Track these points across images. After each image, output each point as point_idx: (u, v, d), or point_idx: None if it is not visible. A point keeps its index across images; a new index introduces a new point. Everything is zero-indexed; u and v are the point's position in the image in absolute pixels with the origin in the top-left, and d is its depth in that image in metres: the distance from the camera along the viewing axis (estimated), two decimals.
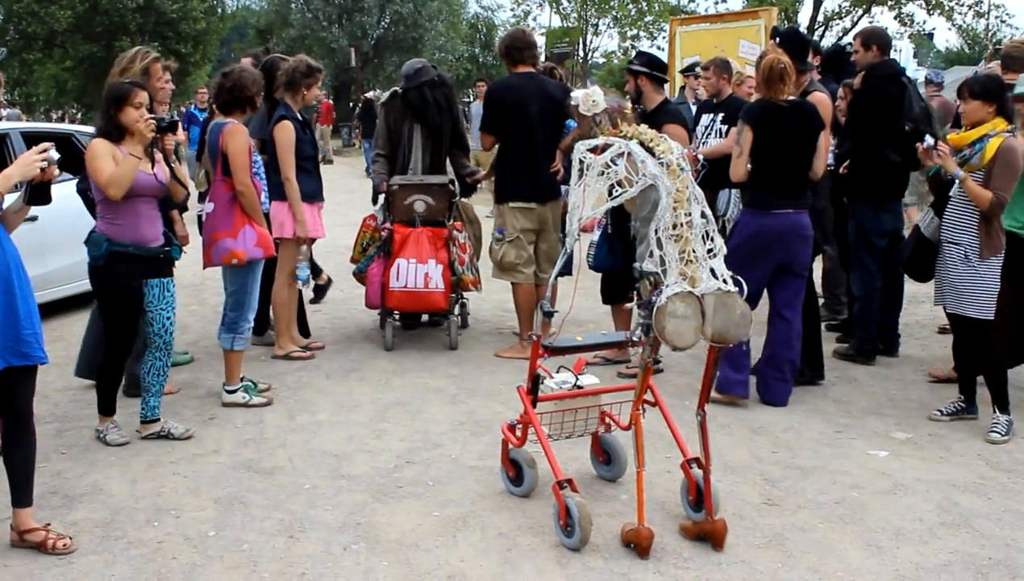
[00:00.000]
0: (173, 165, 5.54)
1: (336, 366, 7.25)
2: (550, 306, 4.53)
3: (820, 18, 35.00)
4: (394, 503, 4.80)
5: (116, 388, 5.66)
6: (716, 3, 35.57)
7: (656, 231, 4.01)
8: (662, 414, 4.59)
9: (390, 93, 8.16)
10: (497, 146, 7.54)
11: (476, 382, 6.79)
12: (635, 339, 4.30)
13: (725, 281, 4.09)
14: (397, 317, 8.03)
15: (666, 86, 7.49)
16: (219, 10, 40.54)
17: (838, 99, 7.68)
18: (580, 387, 4.80)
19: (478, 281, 7.86)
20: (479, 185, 8.33)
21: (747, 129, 6.15)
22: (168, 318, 5.54)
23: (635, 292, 4.25)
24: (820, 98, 6.70)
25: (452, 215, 7.75)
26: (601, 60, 52.00)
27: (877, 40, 7.34)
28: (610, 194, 4.29)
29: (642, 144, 4.13)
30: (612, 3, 41.85)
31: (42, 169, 4.04)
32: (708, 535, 4.35)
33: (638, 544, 4.24)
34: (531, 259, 7.45)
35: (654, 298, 4.02)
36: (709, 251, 4.10)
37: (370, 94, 13.84)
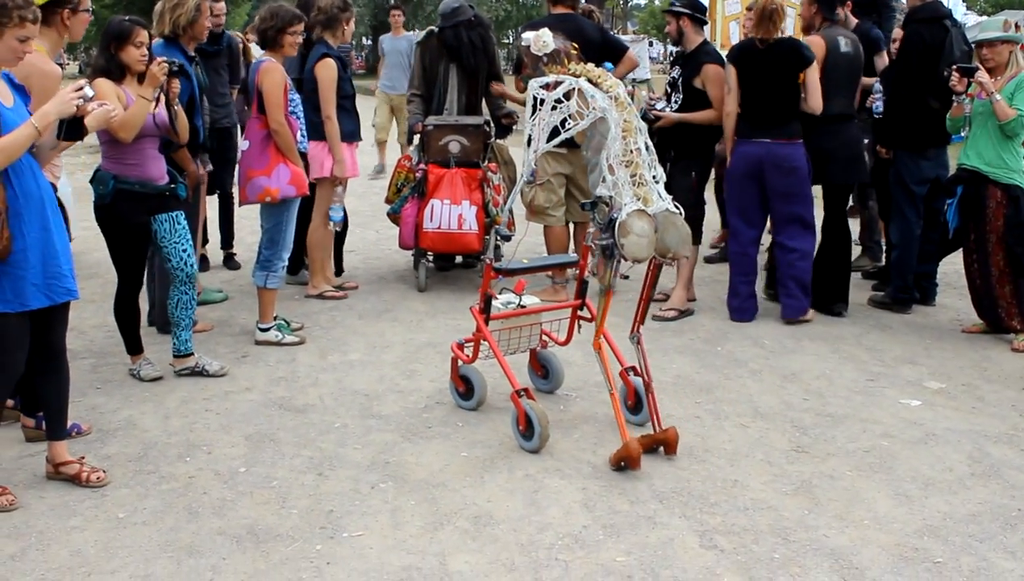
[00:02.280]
0: (175, 110, 5.47)
1: (369, 306, 7.27)
2: (507, 231, 5.03)
3: None
4: (423, 443, 4.83)
5: (136, 325, 5.67)
6: None
7: (608, 159, 4.37)
8: (593, 341, 4.78)
9: (426, 33, 8.09)
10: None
11: None
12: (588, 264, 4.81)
13: (673, 202, 4.46)
14: (431, 258, 8.03)
15: (706, 28, 7.47)
16: None
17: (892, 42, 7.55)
18: (523, 306, 5.18)
19: (512, 223, 7.81)
20: (514, 126, 8.27)
21: (731, 67, 6.78)
22: (184, 250, 5.52)
23: (592, 220, 4.61)
24: (812, 39, 6.98)
25: (487, 156, 7.70)
26: (642, 2, 51.34)
27: None
28: (562, 126, 4.59)
29: (590, 80, 4.48)
30: None
31: (77, 106, 4.05)
32: (662, 443, 4.67)
33: (628, 458, 4.46)
34: (561, 202, 7.42)
35: (614, 215, 4.34)
36: (654, 177, 4.46)
37: (410, 33, 13.65)
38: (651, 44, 46.30)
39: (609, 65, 7.22)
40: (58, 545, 3.84)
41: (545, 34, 4.46)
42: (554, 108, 4.60)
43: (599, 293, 4.69)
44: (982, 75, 6.19)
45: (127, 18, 5.30)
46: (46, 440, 4.42)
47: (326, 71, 7.05)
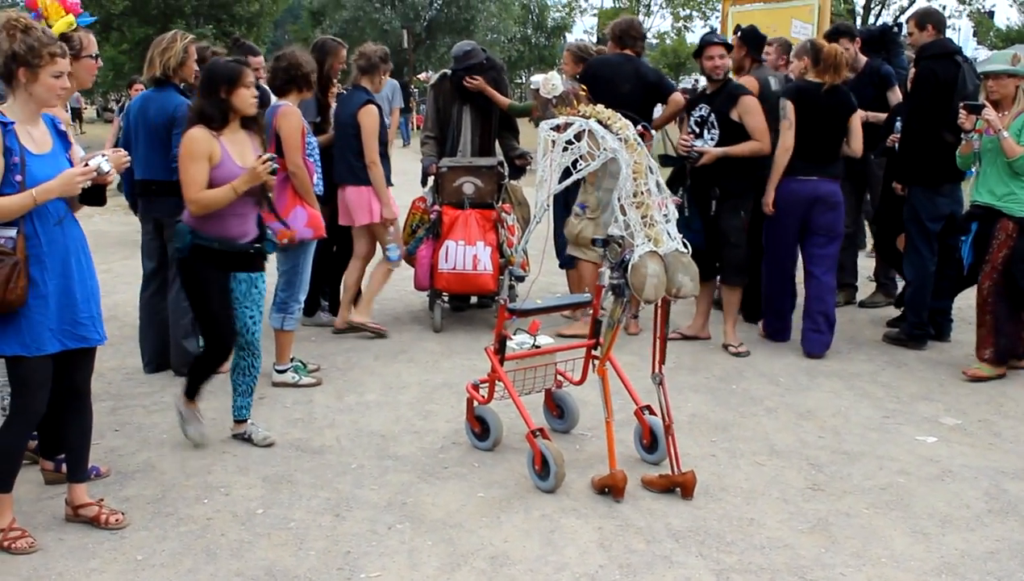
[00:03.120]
0: (271, 197, 5.37)
1: (385, 347, 7.31)
2: (521, 271, 5.17)
3: None
4: (439, 483, 4.85)
5: (204, 381, 5.28)
6: None
7: (619, 199, 4.46)
8: (613, 368, 4.89)
9: (439, 75, 8.20)
10: None
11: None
12: (601, 300, 4.92)
13: (683, 242, 4.57)
14: (446, 299, 8.08)
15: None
16: None
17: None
18: (538, 346, 5.25)
19: (527, 263, 7.87)
20: (528, 167, 8.35)
21: (789, 103, 6.89)
22: (252, 316, 5.23)
23: (604, 258, 4.72)
24: (747, 80, 7.41)
25: (501, 197, 7.77)
26: (654, 41, 51.65)
27: (930, 20, 7.32)
28: (574, 167, 4.67)
29: (600, 122, 4.54)
30: None
31: (84, 188, 4.02)
32: (679, 486, 4.68)
33: (613, 487, 4.61)
34: None
35: (627, 257, 4.46)
36: (664, 216, 4.55)
37: (422, 76, 13.78)
38: None
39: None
40: None
41: (554, 77, 4.57)
42: (565, 149, 4.66)
43: (607, 328, 4.77)
44: (989, 112, 6.22)
45: (232, 59, 5.23)
46: (66, 483, 4.45)
47: (369, 118, 7.15)
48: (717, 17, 24.99)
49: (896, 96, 7.84)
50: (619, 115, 4.64)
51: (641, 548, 4.16)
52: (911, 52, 7.76)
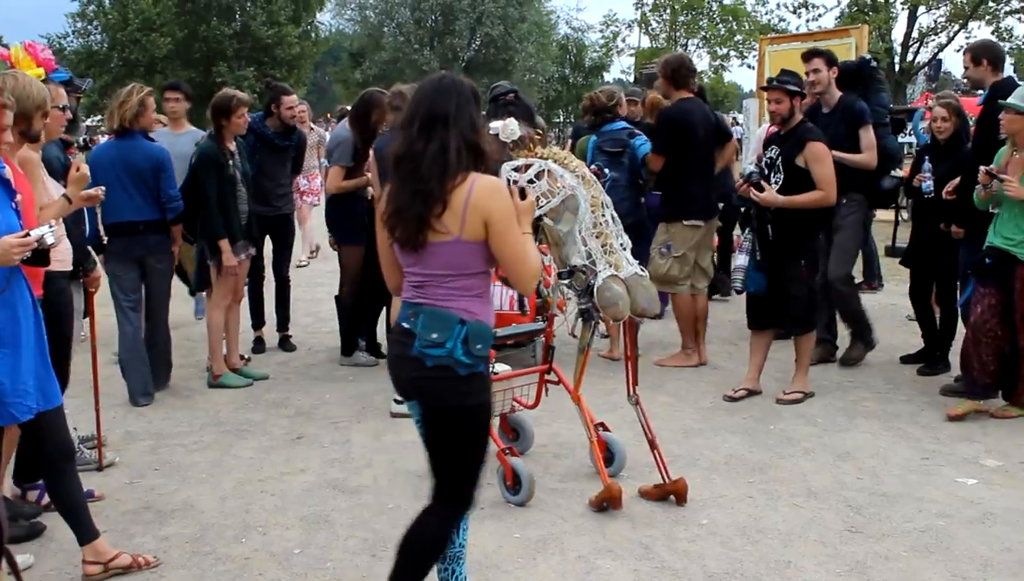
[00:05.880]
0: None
1: None
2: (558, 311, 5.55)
3: (915, 34, 34.37)
4: (475, 524, 4.84)
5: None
6: (807, 21, 35.05)
7: (580, 231, 4.76)
8: (567, 391, 5.36)
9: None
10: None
11: (561, 404, 6.79)
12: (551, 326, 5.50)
13: (640, 266, 4.96)
14: None
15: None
16: (313, 35, 41.29)
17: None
18: (496, 373, 5.35)
19: (564, 302, 7.91)
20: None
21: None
22: None
23: (569, 286, 5.01)
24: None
25: (537, 238, 7.78)
26: None
27: (987, 54, 7.04)
28: (537, 203, 4.79)
29: (556, 161, 4.80)
30: (702, 23, 41.70)
31: (23, 260, 3.80)
32: (672, 493, 5.05)
33: (610, 499, 4.91)
34: (691, 273, 7.78)
35: (592, 281, 4.78)
36: (621, 244, 4.93)
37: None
38: None
39: None
40: None
41: (512, 123, 4.67)
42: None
43: (578, 352, 5.25)
44: (1009, 185, 6.07)
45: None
46: (82, 546, 4.28)
47: None
48: (754, 56, 25.07)
49: (869, 135, 7.37)
50: (572, 155, 4.99)
51: None
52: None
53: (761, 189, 6.68)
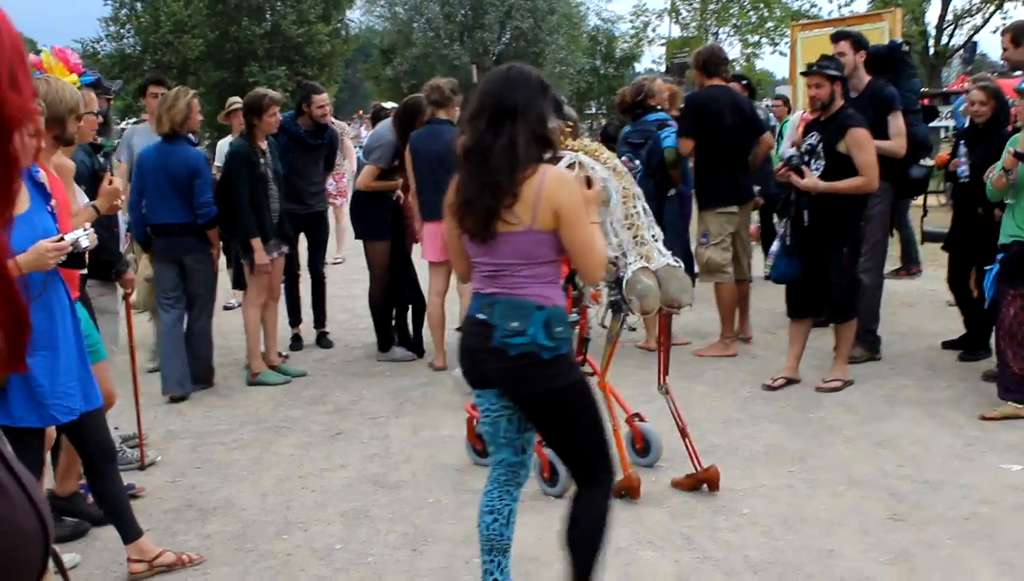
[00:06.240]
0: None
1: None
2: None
3: (949, 16, 33.94)
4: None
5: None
6: (840, 7, 34.67)
7: (611, 223, 4.66)
8: (599, 382, 5.14)
9: None
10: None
11: (596, 394, 6.80)
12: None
13: (673, 257, 4.87)
14: None
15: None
16: (343, 32, 41.36)
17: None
18: None
19: (599, 294, 7.88)
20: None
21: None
22: None
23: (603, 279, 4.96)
24: None
25: None
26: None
27: None
28: None
29: (587, 153, 4.74)
30: (732, 11, 41.40)
31: (58, 263, 3.80)
32: (704, 481, 5.08)
33: (629, 489, 4.93)
34: (738, 257, 7.85)
35: (622, 274, 4.69)
36: (653, 236, 4.85)
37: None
38: None
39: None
40: None
41: None
42: None
43: (607, 342, 5.17)
44: None
45: None
46: (127, 544, 4.31)
47: None
48: (786, 43, 24.86)
49: (898, 121, 7.17)
50: (604, 147, 4.89)
51: (718, 579, 4.13)
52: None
53: (801, 173, 6.59)
